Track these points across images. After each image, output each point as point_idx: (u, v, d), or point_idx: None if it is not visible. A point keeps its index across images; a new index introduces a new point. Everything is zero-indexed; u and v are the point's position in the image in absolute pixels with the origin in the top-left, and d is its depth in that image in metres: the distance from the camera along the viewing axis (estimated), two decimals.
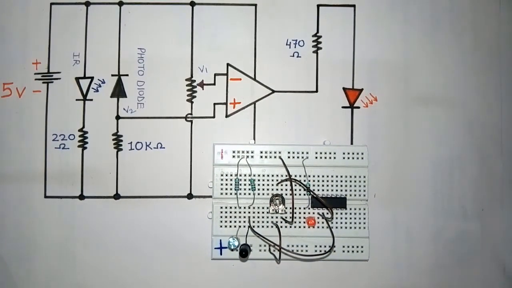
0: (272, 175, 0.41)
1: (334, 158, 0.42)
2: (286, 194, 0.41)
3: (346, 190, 0.41)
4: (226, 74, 0.43)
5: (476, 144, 0.43)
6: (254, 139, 0.43)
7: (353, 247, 0.42)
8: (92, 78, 0.42)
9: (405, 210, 0.43)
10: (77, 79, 0.42)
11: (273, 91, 0.43)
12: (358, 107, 0.43)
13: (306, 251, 0.41)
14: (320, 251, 0.41)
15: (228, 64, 0.43)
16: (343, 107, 0.43)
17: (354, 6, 0.44)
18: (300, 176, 0.41)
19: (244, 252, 0.40)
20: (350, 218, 0.42)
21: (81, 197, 0.42)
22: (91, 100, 0.42)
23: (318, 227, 0.41)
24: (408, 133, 0.43)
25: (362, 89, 0.43)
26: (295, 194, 0.41)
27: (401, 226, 0.43)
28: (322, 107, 0.43)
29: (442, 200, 0.43)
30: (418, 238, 0.43)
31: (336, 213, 0.41)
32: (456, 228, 0.43)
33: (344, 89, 0.43)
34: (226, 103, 0.43)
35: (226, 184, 0.41)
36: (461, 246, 0.43)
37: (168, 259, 0.42)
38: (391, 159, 0.43)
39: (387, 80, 0.43)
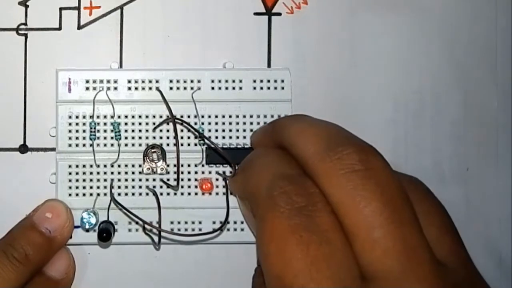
0: (147, 116, 0.28)
1: (240, 88, 0.29)
2: (168, 145, 0.28)
3: None
4: None
5: (460, 69, 0.30)
6: (120, 62, 0.29)
7: None
8: None
9: None
10: None
11: None
12: (279, 14, 0.30)
13: (200, 229, 0.28)
14: (222, 229, 0.28)
15: None
16: (255, 13, 0.30)
17: None
18: (189, 117, 0.28)
19: (106, 233, 0.27)
20: None
21: None
22: None
23: (217, 193, 0.29)
24: (354, 51, 0.30)
25: None
26: (182, 145, 0.28)
27: None
28: (224, 13, 0.30)
29: (406, 154, 0.30)
30: None
31: None
32: None
33: None
34: (78, 8, 0.29)
35: (77, 131, 0.28)
36: None
37: None
38: (328, 91, 0.30)
39: None
